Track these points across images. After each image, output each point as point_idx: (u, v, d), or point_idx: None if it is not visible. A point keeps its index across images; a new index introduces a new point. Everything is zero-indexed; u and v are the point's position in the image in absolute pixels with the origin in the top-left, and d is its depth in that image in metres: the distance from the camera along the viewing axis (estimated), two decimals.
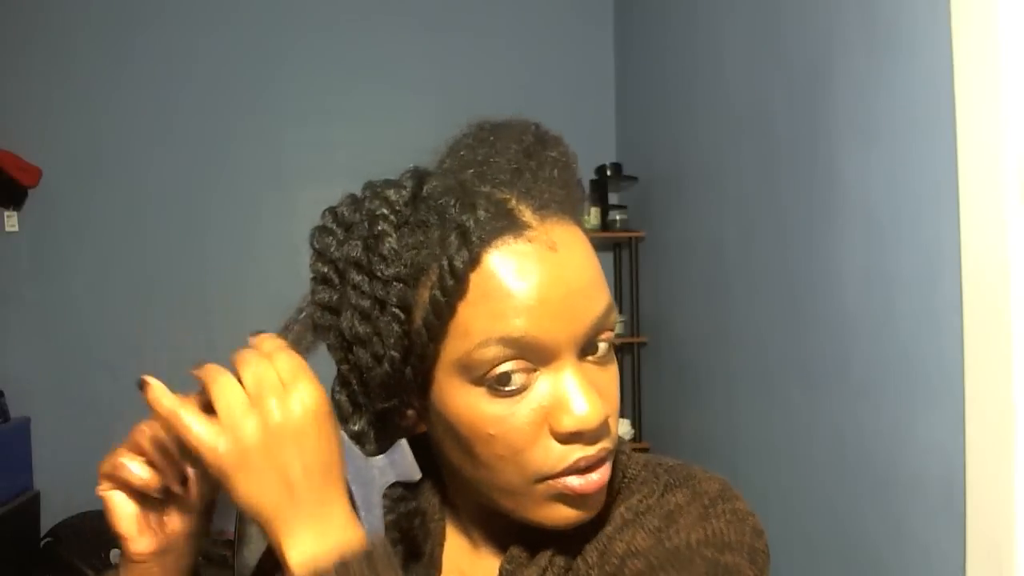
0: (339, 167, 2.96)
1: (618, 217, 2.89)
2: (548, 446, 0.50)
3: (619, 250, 3.08)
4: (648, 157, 2.85)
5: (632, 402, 2.90)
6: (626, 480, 0.60)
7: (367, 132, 3.00)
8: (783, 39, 1.83)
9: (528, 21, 3.19)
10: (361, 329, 0.48)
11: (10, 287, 2.85)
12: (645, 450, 2.76)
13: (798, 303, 1.78)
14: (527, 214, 0.50)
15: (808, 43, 1.72)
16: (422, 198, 0.50)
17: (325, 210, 0.52)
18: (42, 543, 2.65)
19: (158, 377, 0.47)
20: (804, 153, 1.74)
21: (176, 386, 0.44)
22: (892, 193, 1.43)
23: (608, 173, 2.92)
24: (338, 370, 0.51)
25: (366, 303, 0.48)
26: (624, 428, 2.81)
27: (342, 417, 0.51)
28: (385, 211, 0.49)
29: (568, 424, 0.49)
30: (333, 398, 0.51)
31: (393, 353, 0.49)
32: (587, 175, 2.96)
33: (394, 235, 0.49)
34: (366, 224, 0.50)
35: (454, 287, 0.48)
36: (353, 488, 0.49)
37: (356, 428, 0.51)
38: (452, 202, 0.49)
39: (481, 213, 0.49)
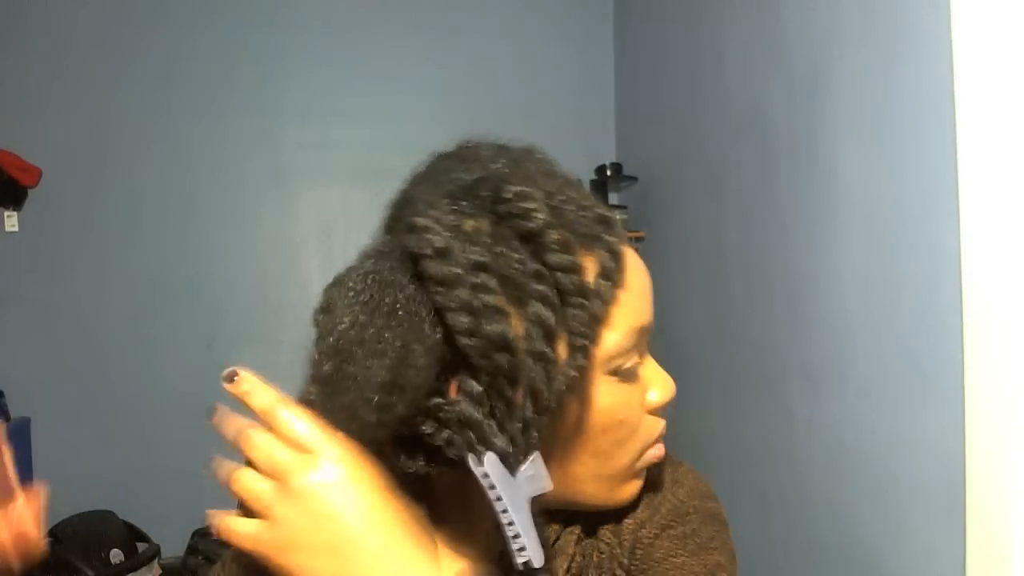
0: (339, 167, 2.96)
1: (618, 217, 2.88)
2: (647, 421, 0.55)
3: None
4: (648, 157, 2.85)
5: None
6: None
7: (367, 132, 3.00)
8: (783, 39, 1.83)
9: (528, 21, 3.19)
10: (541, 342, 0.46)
11: (10, 287, 2.85)
12: None
13: (798, 303, 1.78)
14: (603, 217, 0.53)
15: (808, 43, 1.72)
16: (551, 194, 0.50)
17: (434, 234, 0.46)
18: None
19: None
20: (804, 153, 1.74)
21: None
22: (892, 193, 1.43)
23: (608, 173, 2.92)
24: (472, 390, 0.47)
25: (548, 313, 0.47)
26: None
27: (484, 439, 0.46)
28: (544, 216, 0.48)
29: (665, 396, 0.55)
30: (472, 419, 0.46)
31: (587, 344, 0.48)
32: (587, 175, 2.96)
33: (560, 236, 0.48)
34: (542, 243, 0.47)
35: (619, 275, 0.50)
36: (514, 517, 0.45)
37: (502, 446, 0.46)
38: (585, 202, 0.51)
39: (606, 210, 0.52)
